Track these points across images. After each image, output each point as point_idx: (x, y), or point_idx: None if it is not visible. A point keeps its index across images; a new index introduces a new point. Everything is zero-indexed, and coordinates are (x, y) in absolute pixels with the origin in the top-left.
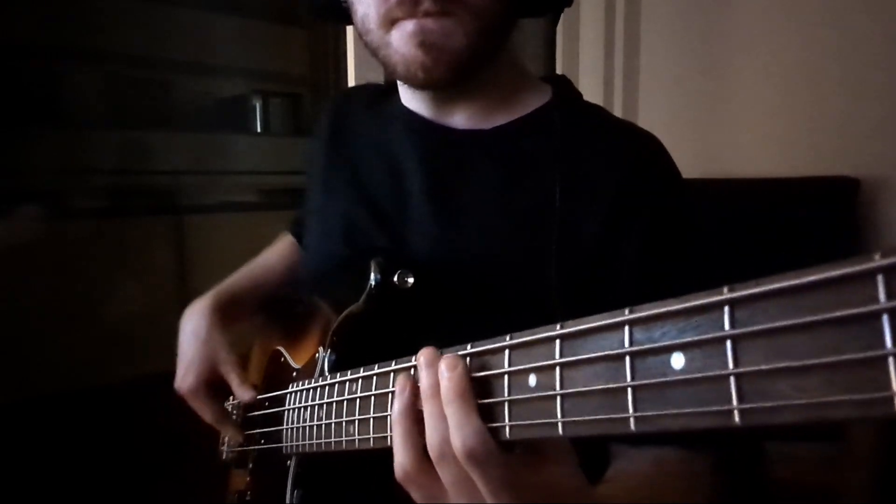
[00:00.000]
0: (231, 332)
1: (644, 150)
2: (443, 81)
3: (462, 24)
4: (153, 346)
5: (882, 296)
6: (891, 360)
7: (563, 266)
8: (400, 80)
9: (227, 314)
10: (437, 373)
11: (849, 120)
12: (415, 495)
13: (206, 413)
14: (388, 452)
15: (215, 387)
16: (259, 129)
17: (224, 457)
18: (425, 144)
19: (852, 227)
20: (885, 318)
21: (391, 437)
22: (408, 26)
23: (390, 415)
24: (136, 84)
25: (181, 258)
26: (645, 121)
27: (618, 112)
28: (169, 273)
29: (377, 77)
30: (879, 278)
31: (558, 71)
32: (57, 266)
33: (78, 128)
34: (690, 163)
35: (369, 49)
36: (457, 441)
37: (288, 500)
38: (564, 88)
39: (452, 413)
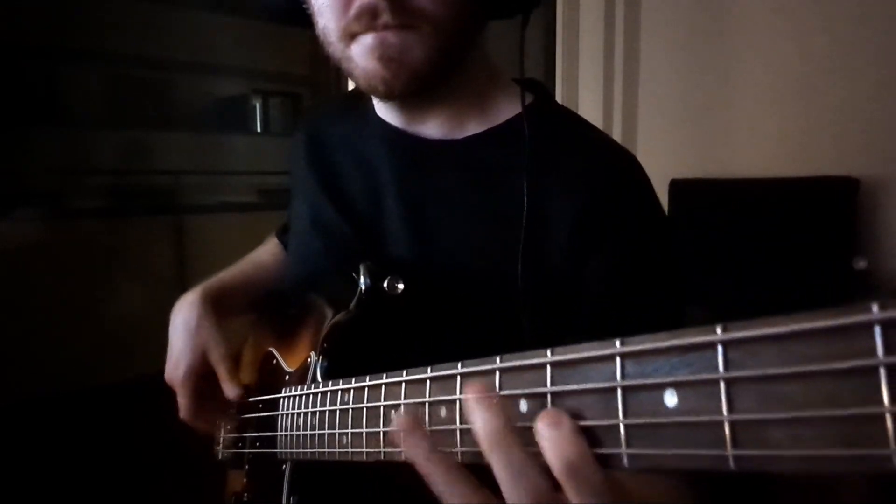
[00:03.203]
0: (222, 325)
1: (617, 167)
2: (404, 94)
3: (422, 37)
4: (153, 346)
5: (880, 350)
6: (888, 417)
7: (529, 278)
8: (363, 91)
9: (217, 307)
10: (504, 422)
11: (849, 120)
12: None
13: (190, 407)
14: (382, 464)
15: (205, 379)
16: (259, 129)
17: (220, 457)
18: (398, 154)
19: (852, 227)
20: (883, 373)
21: (384, 452)
22: (367, 40)
23: (385, 431)
24: (136, 84)
25: (181, 258)
26: (645, 122)
27: (618, 114)
28: (169, 273)
29: None
30: (877, 330)
31: (558, 72)
32: (57, 266)
33: (78, 128)
34: (690, 163)
35: (332, 60)
36: (557, 463)
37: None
38: (537, 93)
39: (548, 436)
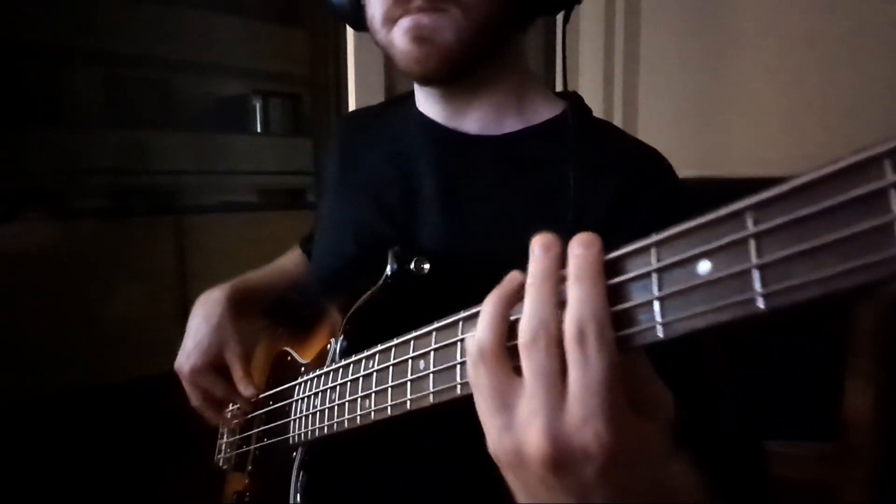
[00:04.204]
0: (242, 326)
1: (646, 164)
2: (438, 75)
3: (453, 19)
4: (153, 345)
5: (889, 173)
6: None
7: None
8: (403, 74)
9: (240, 307)
10: (554, 256)
11: (850, 120)
12: (482, 380)
13: (213, 390)
14: (400, 428)
15: (217, 373)
16: (259, 129)
17: (221, 464)
18: (438, 148)
19: None
20: (893, 193)
21: (410, 400)
22: (404, 23)
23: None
24: (136, 84)
25: (181, 258)
26: (645, 121)
27: (618, 112)
28: (169, 273)
29: (377, 77)
30: (886, 162)
31: (558, 71)
32: (57, 266)
33: (78, 128)
34: (690, 163)
35: (381, 48)
36: (572, 316)
37: (293, 486)
38: (576, 103)
39: (579, 289)
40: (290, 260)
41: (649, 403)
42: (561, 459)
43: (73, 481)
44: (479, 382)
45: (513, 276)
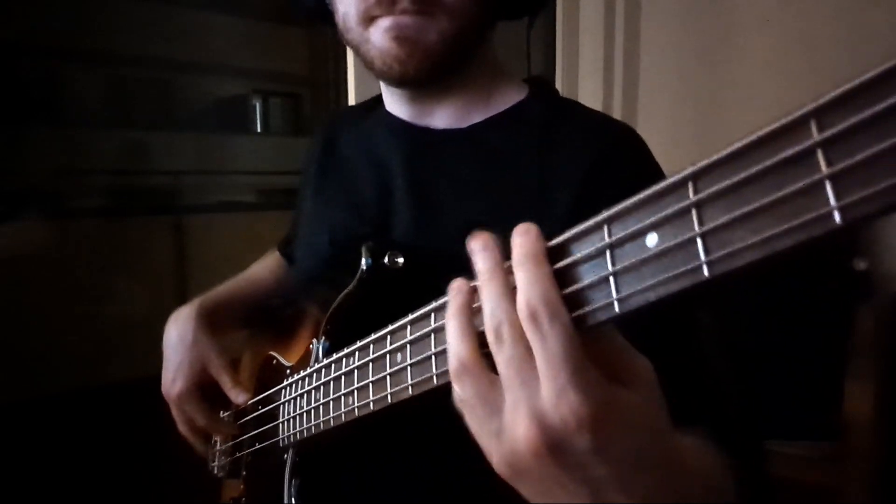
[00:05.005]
0: (218, 339)
1: (614, 139)
2: (417, 76)
3: (437, 22)
4: (152, 346)
5: (815, 133)
6: (827, 183)
7: None
8: (377, 75)
9: (212, 321)
10: (493, 252)
11: None
12: (469, 391)
13: (196, 418)
14: (386, 424)
15: (205, 391)
16: (259, 129)
17: (215, 472)
18: (406, 146)
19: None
20: (820, 152)
21: (391, 394)
22: (385, 23)
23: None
24: (136, 84)
25: (181, 258)
26: (645, 121)
27: (617, 112)
28: (168, 273)
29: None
30: (812, 122)
31: (558, 71)
32: (57, 266)
33: (78, 128)
34: (691, 161)
35: (351, 46)
36: (521, 301)
37: (286, 490)
38: (541, 86)
39: (523, 273)
40: (264, 266)
41: (629, 373)
42: (549, 441)
43: (72, 482)
44: (467, 395)
45: (459, 286)
